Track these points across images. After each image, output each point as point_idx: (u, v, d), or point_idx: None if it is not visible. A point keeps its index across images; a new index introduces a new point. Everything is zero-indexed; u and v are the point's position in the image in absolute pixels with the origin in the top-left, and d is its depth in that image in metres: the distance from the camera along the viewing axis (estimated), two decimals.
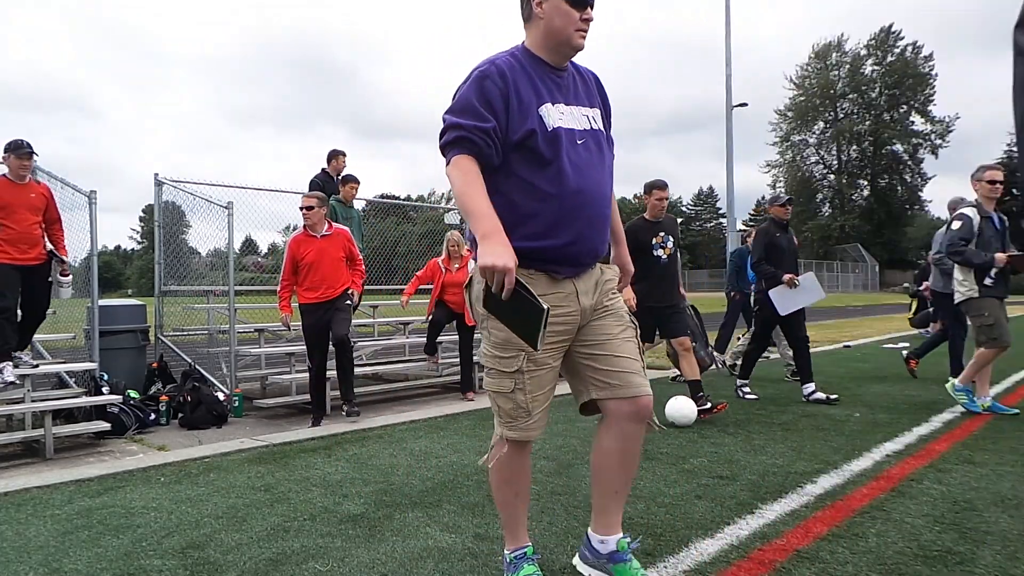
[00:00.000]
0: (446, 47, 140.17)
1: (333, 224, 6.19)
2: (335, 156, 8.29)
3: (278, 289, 6.24)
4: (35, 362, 5.78)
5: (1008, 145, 53.13)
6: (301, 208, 5.97)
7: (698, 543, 2.88)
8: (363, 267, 6.47)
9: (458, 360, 8.21)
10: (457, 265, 7.53)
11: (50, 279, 5.64)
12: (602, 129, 2.38)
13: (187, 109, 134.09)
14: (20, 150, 5.39)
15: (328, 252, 5.99)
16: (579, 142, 2.25)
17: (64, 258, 5.73)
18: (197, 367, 7.02)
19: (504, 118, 2.15)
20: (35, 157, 5.53)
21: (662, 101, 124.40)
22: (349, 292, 6.12)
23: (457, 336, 7.58)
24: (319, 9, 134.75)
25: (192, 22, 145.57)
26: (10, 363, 5.33)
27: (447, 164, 2.13)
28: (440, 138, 2.17)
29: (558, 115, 2.23)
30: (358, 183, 7.95)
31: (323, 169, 8.27)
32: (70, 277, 5.79)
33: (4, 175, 5.49)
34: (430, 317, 7.56)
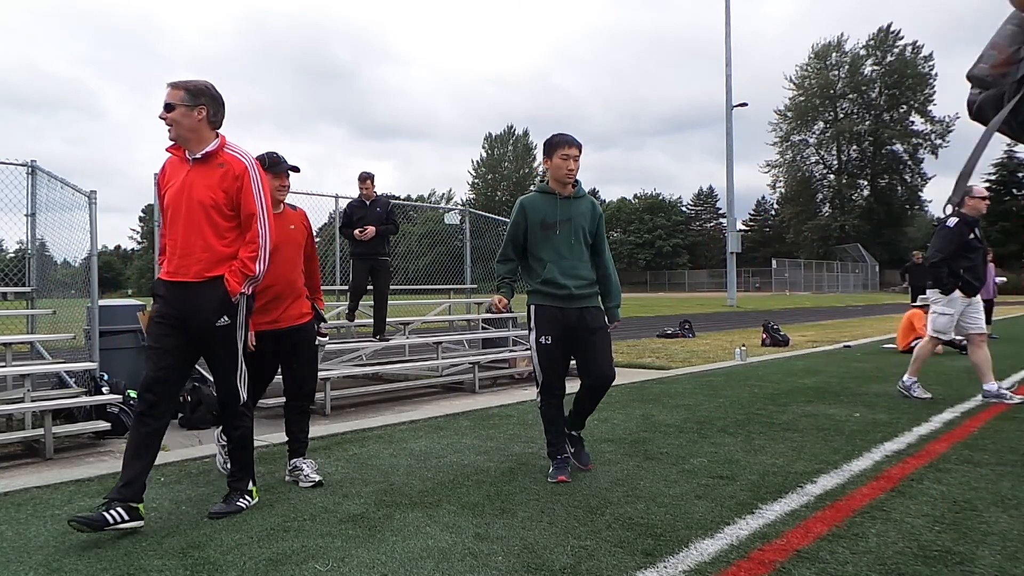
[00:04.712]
0: (447, 47, 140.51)
1: (229, 147, 3.37)
2: (361, 180, 7.67)
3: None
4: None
5: (1008, 145, 53.23)
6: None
7: (698, 543, 2.88)
8: (260, 238, 3.31)
9: (460, 360, 8.20)
10: None
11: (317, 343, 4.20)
12: None
13: None
14: (277, 167, 3.91)
15: (194, 192, 3.26)
16: None
17: (323, 313, 4.28)
18: (197, 367, 7.01)
19: None
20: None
21: (662, 101, 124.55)
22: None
23: (459, 336, 7.38)
24: (319, 9, 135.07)
25: (192, 22, 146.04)
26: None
27: None
28: None
29: None
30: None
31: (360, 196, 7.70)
32: (327, 337, 4.44)
33: None
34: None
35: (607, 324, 3.99)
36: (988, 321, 12.62)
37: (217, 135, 3.39)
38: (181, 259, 3.28)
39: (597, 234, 4.04)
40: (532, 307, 3.97)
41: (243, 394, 3.47)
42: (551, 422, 4.02)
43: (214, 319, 3.28)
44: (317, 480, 3.84)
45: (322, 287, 4.46)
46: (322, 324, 4.25)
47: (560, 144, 3.92)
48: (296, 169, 4.03)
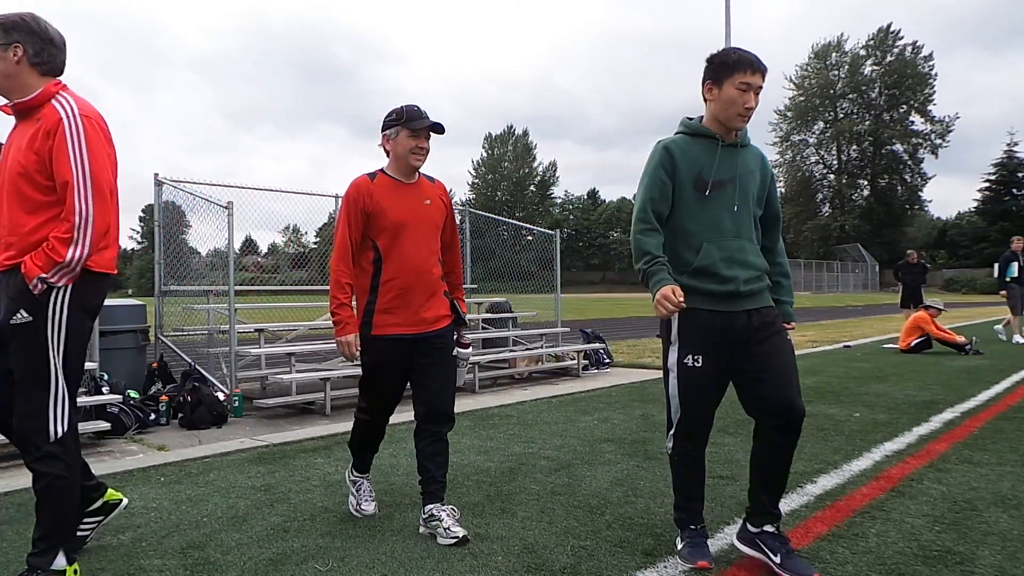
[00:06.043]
0: (447, 47, 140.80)
1: (59, 97, 2.48)
2: None
3: None
4: None
5: (1008, 145, 53.25)
6: None
7: None
8: (76, 214, 2.37)
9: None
10: None
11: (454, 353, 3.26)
12: None
13: (187, 109, 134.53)
14: (414, 123, 3.06)
15: (9, 156, 2.51)
16: None
17: (467, 317, 3.38)
18: (197, 367, 7.00)
19: None
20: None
21: (662, 101, 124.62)
22: (40, 278, 2.38)
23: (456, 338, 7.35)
24: (319, 9, 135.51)
25: (192, 22, 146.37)
26: (366, 480, 3.40)
27: None
28: None
29: None
30: None
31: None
32: (470, 348, 3.47)
33: (382, 171, 3.18)
34: None
35: (785, 329, 2.77)
36: None
37: (62, 94, 2.51)
38: (3, 244, 2.50)
39: (770, 201, 2.79)
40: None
41: (56, 426, 2.43)
42: (685, 475, 2.78)
43: (8, 315, 2.41)
44: (461, 536, 2.89)
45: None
46: (464, 330, 3.34)
47: (739, 66, 2.54)
48: (440, 129, 3.14)
